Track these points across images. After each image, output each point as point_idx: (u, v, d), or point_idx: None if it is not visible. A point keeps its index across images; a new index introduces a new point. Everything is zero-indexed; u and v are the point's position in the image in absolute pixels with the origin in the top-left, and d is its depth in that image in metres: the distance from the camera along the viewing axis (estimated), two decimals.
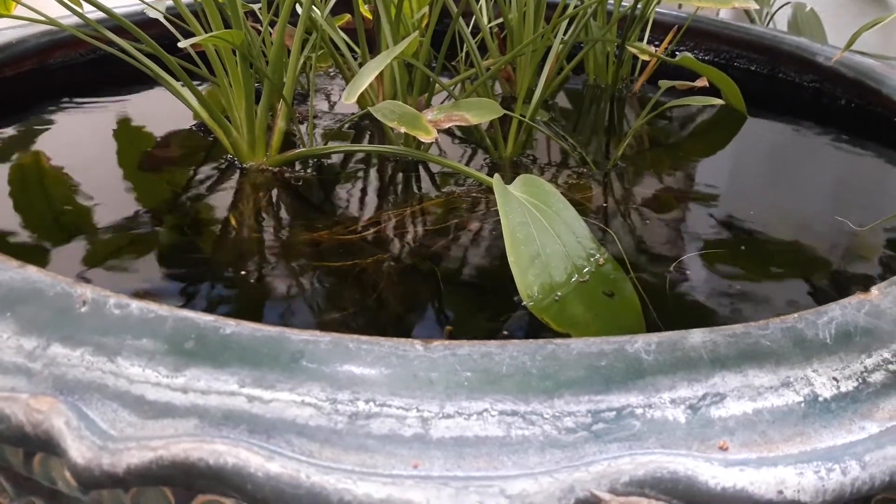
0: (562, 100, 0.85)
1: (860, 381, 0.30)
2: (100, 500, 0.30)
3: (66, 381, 0.28)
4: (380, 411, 0.27)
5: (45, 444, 0.27)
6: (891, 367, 0.31)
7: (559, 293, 0.39)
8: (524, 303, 0.38)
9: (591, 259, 0.41)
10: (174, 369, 0.28)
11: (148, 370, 0.28)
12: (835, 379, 0.30)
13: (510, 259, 0.38)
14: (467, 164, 0.64)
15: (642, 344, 0.30)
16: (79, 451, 0.26)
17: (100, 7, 0.57)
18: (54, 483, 0.30)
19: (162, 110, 0.73)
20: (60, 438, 0.26)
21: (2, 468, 0.32)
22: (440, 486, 0.25)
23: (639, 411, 0.28)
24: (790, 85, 0.86)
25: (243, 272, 0.47)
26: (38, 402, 0.27)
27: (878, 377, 0.30)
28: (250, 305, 0.44)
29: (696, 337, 0.30)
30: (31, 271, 0.33)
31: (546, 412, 0.27)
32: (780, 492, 0.26)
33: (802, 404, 0.29)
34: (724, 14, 1.26)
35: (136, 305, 0.30)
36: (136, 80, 0.78)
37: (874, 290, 0.35)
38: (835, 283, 0.49)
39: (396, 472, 0.25)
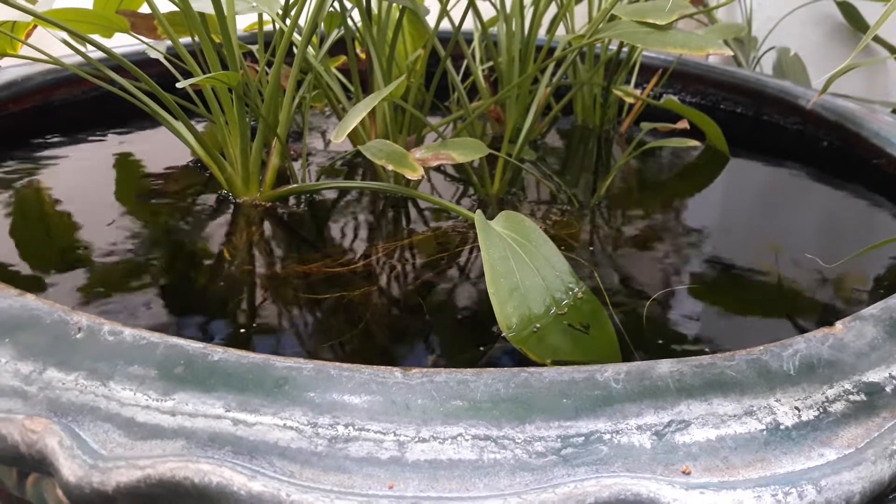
0: (553, 139, 0.87)
1: (821, 410, 0.31)
2: None
3: (61, 403, 0.29)
4: (358, 435, 0.28)
5: (38, 464, 0.28)
6: (851, 397, 0.32)
7: (538, 325, 0.40)
8: (503, 334, 0.40)
9: (570, 292, 0.43)
10: (163, 393, 0.29)
11: (139, 394, 0.29)
12: (797, 408, 0.31)
13: (490, 291, 0.40)
14: (458, 200, 0.66)
15: (612, 373, 0.31)
16: (70, 469, 0.27)
17: (100, 48, 0.59)
18: None
19: (161, 147, 0.75)
20: (53, 457, 0.28)
21: None
22: None
23: (606, 437, 0.29)
24: (775, 127, 0.88)
25: (235, 303, 0.48)
26: (32, 423, 0.28)
27: (838, 407, 0.32)
28: (241, 334, 0.45)
29: (664, 367, 0.32)
30: (30, 299, 0.34)
31: (518, 437, 0.29)
32: None
33: (764, 432, 0.30)
34: (713, 58, 1.29)
35: (129, 333, 0.32)
36: (137, 118, 0.80)
37: (838, 325, 0.36)
38: (806, 317, 0.50)
39: (372, 493, 0.26)
